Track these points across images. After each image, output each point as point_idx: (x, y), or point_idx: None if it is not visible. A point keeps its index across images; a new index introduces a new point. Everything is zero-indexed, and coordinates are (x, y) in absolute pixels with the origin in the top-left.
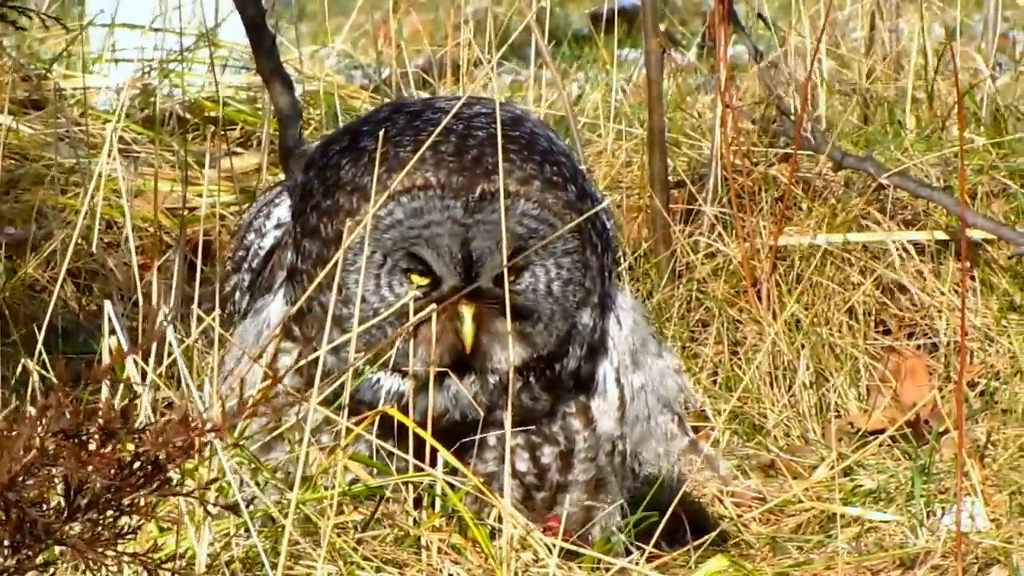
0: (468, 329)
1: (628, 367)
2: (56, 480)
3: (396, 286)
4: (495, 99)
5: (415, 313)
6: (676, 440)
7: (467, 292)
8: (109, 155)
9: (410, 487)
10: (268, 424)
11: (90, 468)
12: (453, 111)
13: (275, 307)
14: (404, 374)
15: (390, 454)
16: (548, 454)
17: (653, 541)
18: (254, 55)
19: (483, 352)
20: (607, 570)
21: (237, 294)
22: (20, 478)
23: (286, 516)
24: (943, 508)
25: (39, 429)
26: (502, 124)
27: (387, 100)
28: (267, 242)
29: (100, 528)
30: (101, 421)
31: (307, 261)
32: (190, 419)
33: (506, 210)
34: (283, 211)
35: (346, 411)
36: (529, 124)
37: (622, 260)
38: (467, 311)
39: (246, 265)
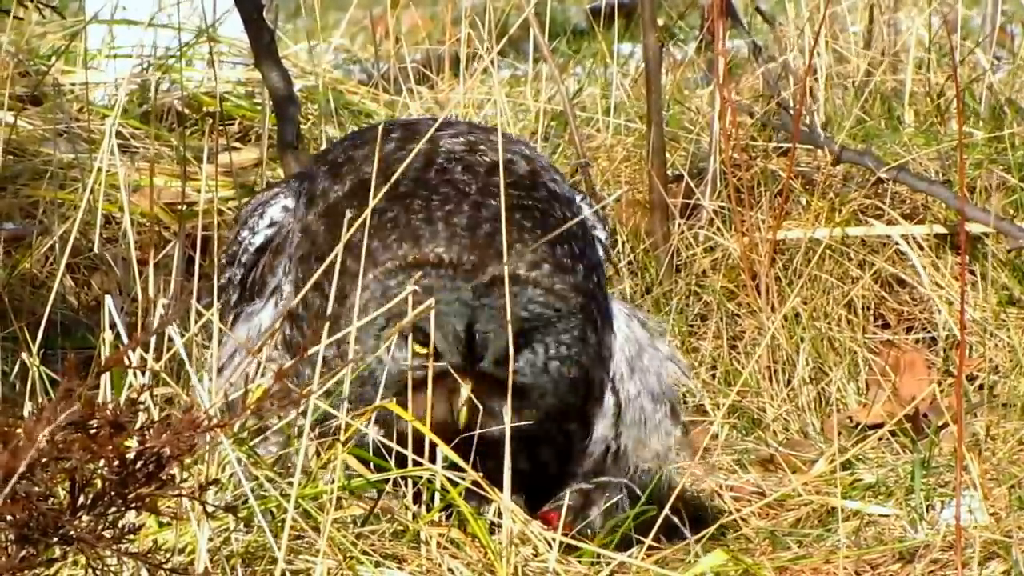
0: (463, 408)
1: (623, 375)
2: (62, 475)
3: (396, 350)
4: (523, 143)
5: (413, 380)
6: (671, 436)
7: (468, 372)
8: (108, 150)
9: (409, 482)
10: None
11: (101, 461)
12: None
13: (266, 314)
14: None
15: (389, 449)
16: (546, 453)
17: (652, 535)
18: (252, 49)
19: (475, 425)
20: (607, 564)
21: (230, 287)
22: (30, 471)
23: (286, 511)
24: (942, 502)
25: (47, 420)
26: (518, 186)
27: (386, 95)
28: (258, 240)
29: (103, 526)
30: (109, 413)
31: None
32: (193, 415)
33: (513, 296)
34: (276, 211)
35: (344, 408)
36: (545, 179)
37: (620, 258)
38: (465, 390)
39: (238, 260)
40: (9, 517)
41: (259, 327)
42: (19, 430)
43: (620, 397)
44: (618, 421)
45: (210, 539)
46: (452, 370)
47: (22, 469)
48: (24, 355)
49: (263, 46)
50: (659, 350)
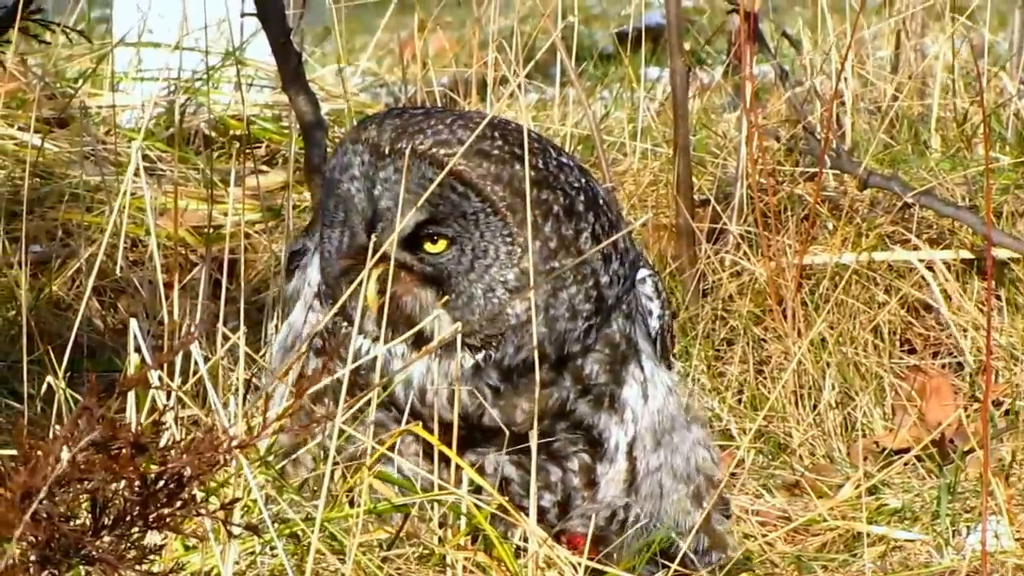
0: (370, 291)
1: (646, 445)
2: (84, 495)
3: (341, 239)
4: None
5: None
6: (691, 516)
7: (370, 253)
8: (135, 173)
9: (436, 505)
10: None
11: (122, 482)
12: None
13: (314, 266)
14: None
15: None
16: (547, 500)
17: (678, 559)
18: (280, 73)
19: (408, 316)
20: None
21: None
22: (52, 491)
23: (311, 534)
24: (968, 527)
25: (71, 442)
26: (504, 127)
27: None
28: None
29: (126, 546)
30: (131, 434)
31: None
32: (215, 436)
33: (407, 169)
34: None
35: (371, 431)
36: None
37: None
38: (373, 272)
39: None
40: (32, 538)
41: (308, 280)
42: (39, 452)
43: (637, 465)
44: (630, 489)
45: (236, 563)
46: (361, 251)
47: (38, 488)
48: (50, 378)
49: (291, 69)
50: (692, 432)
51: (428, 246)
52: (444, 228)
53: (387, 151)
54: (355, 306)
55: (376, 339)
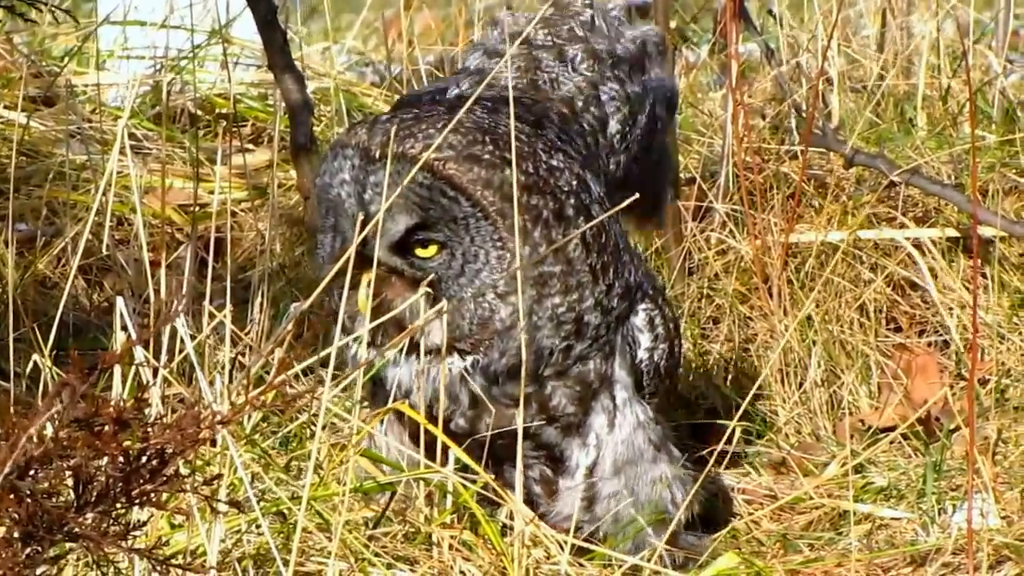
0: (362, 295)
1: (606, 470)
2: (67, 472)
3: (334, 243)
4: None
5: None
6: (651, 540)
7: (361, 258)
8: (120, 152)
9: (422, 484)
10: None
11: (105, 458)
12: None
13: None
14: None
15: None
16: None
17: (664, 538)
18: (266, 51)
19: (398, 320)
20: (619, 566)
21: None
22: (33, 468)
23: (298, 512)
24: (954, 505)
25: (52, 418)
26: (494, 131)
27: (398, 96)
28: None
29: (110, 522)
30: (113, 410)
31: None
32: (198, 412)
33: (398, 174)
34: None
35: (357, 410)
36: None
37: None
38: (364, 276)
39: None
40: (15, 515)
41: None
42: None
43: (596, 487)
44: (591, 507)
45: (221, 540)
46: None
47: (9, 466)
48: (36, 356)
49: (276, 48)
50: (658, 467)
51: (419, 251)
52: (435, 233)
53: (377, 155)
54: (349, 315)
55: (370, 344)
